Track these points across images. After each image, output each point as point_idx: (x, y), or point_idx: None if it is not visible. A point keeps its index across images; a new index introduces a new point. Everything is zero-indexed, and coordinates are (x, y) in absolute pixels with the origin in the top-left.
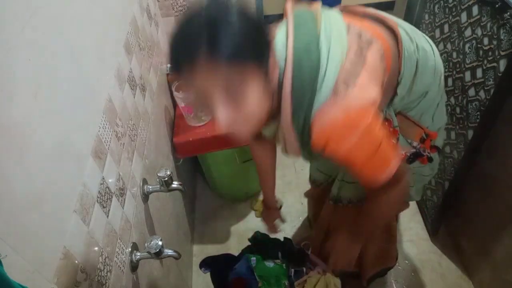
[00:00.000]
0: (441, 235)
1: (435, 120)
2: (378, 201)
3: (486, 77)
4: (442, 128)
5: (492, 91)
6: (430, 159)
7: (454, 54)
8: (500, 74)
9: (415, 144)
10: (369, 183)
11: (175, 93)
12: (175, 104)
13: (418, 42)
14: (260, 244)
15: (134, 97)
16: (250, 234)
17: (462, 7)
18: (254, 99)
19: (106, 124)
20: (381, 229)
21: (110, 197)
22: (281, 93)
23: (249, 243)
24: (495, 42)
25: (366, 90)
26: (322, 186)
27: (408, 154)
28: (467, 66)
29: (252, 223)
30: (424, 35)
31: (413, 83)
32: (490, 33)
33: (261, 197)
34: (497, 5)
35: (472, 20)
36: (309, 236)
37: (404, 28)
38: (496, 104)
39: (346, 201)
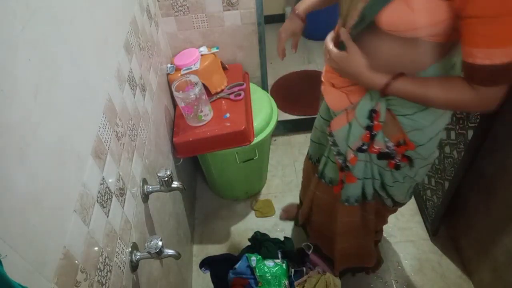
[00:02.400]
0: (441, 235)
1: (427, 146)
2: (460, 85)
3: None
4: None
5: None
6: (397, 166)
7: None
8: None
9: (390, 144)
10: (469, 52)
11: (175, 93)
12: (175, 104)
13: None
14: (260, 244)
15: (134, 97)
16: (250, 234)
17: None
18: None
19: (106, 124)
20: (357, 223)
21: (110, 197)
22: None
23: (249, 243)
24: None
25: None
26: (315, 161)
27: (381, 151)
28: None
29: (252, 223)
30: None
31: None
32: None
33: (261, 197)
34: None
35: None
36: (299, 210)
37: None
38: None
39: (328, 179)
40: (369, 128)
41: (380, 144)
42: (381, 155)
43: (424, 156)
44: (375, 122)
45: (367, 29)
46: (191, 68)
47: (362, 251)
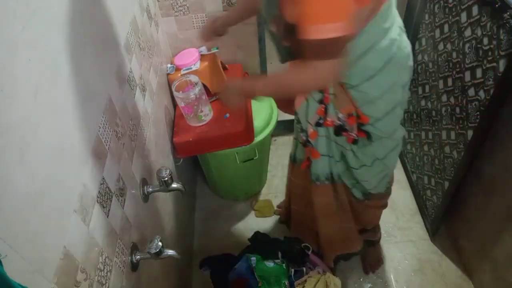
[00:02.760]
0: (441, 235)
1: (384, 121)
2: (300, 66)
3: (486, 77)
4: (393, 128)
5: (492, 91)
6: (355, 141)
7: (454, 54)
8: (500, 74)
9: (340, 116)
10: (303, 29)
11: (175, 93)
12: (175, 104)
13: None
14: (260, 244)
15: (134, 97)
16: (250, 234)
17: (462, 7)
18: None
19: (106, 124)
20: (333, 204)
21: (110, 197)
22: None
23: (249, 243)
24: (494, 42)
25: None
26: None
27: (335, 124)
28: (467, 66)
29: (252, 223)
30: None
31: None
32: (489, 33)
33: (261, 197)
34: (496, 5)
35: (472, 20)
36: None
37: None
38: (496, 104)
39: (298, 161)
40: (321, 101)
41: (332, 116)
42: (337, 129)
43: (385, 132)
44: (325, 95)
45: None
46: (191, 68)
47: (345, 236)
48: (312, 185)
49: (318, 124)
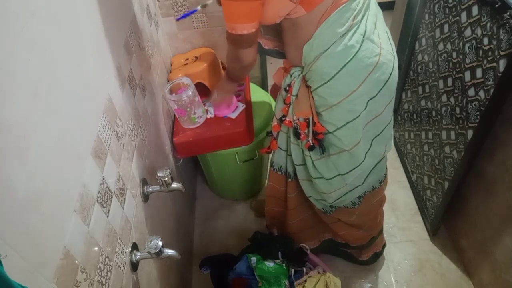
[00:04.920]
0: (441, 235)
1: (343, 132)
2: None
3: (486, 77)
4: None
5: (491, 91)
6: (310, 147)
7: (454, 54)
8: (499, 74)
9: (295, 118)
10: (226, 24)
11: (167, 96)
12: None
13: (383, 46)
14: (260, 244)
15: (134, 97)
16: (250, 234)
17: (462, 7)
18: None
19: (106, 124)
20: (281, 192)
21: (110, 197)
22: None
23: (249, 243)
24: (494, 42)
25: None
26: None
27: (293, 125)
28: (467, 66)
29: (252, 223)
30: (392, 49)
31: (322, 60)
32: (489, 33)
33: (261, 197)
34: (497, 5)
35: (472, 20)
36: None
37: (379, 25)
38: (495, 104)
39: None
40: (284, 101)
41: (290, 116)
42: (295, 131)
43: (345, 144)
44: (288, 95)
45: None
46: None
47: (303, 228)
48: (270, 170)
49: (280, 120)
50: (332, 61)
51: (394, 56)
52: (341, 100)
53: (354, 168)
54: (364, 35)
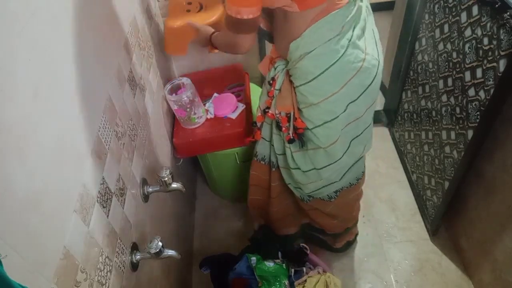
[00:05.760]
0: (441, 235)
1: (321, 130)
2: (226, 32)
3: (486, 77)
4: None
5: (492, 91)
6: (290, 140)
7: (454, 54)
8: (500, 74)
9: (277, 112)
10: (230, 8)
11: (167, 96)
12: None
13: (367, 49)
14: (260, 244)
15: (134, 97)
16: (250, 234)
17: (462, 7)
18: None
19: (106, 124)
20: (266, 181)
21: (110, 197)
22: None
23: (249, 243)
24: (495, 42)
25: None
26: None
27: (275, 118)
28: (467, 66)
29: (252, 223)
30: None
31: (306, 59)
32: (490, 33)
33: None
34: (497, 5)
35: (472, 20)
36: None
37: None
38: (496, 104)
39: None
40: (268, 93)
41: (272, 109)
42: (277, 123)
43: (322, 142)
44: (272, 88)
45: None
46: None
47: (281, 216)
48: (254, 160)
49: (264, 112)
50: (316, 62)
51: (378, 62)
52: (321, 100)
53: (329, 165)
54: (350, 40)
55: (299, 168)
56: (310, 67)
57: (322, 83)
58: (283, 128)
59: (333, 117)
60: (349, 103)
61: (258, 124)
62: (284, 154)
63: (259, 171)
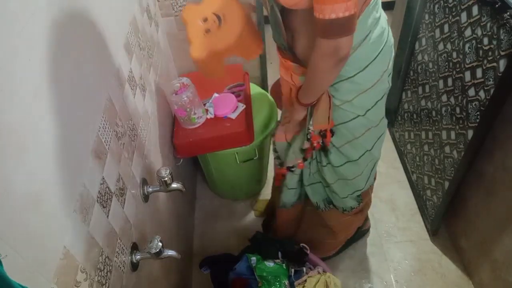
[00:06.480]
0: (441, 235)
1: (374, 111)
2: (315, 49)
3: (486, 77)
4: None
5: (492, 91)
6: (304, 159)
7: (454, 54)
8: (500, 74)
9: (311, 128)
10: (319, 11)
11: (168, 96)
12: None
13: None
14: (260, 244)
15: (134, 97)
16: (250, 234)
17: (462, 7)
18: None
19: (106, 124)
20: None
21: (110, 197)
22: None
23: (249, 243)
24: (495, 42)
25: None
26: None
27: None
28: (467, 66)
29: (252, 223)
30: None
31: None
32: (490, 33)
33: (261, 197)
34: (497, 5)
35: (472, 20)
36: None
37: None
38: (496, 104)
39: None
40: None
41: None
42: (307, 139)
43: (373, 120)
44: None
45: (287, 11)
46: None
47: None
48: (280, 209)
49: (308, 139)
50: (373, 46)
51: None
52: (376, 82)
53: (378, 140)
54: (381, 14)
55: (349, 161)
56: (369, 52)
57: (376, 65)
58: (315, 144)
59: (383, 94)
60: (389, 74)
61: (295, 170)
62: (325, 166)
63: (290, 216)
